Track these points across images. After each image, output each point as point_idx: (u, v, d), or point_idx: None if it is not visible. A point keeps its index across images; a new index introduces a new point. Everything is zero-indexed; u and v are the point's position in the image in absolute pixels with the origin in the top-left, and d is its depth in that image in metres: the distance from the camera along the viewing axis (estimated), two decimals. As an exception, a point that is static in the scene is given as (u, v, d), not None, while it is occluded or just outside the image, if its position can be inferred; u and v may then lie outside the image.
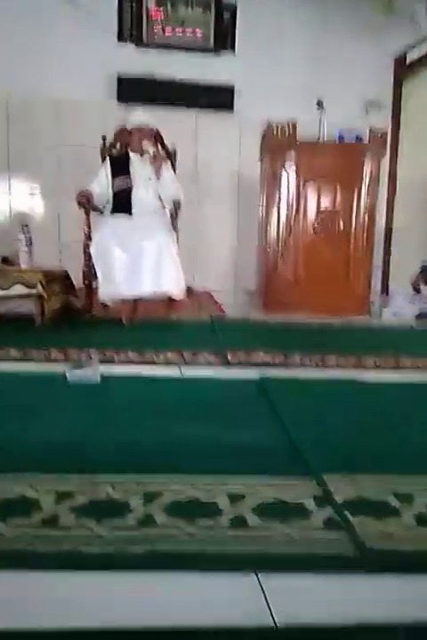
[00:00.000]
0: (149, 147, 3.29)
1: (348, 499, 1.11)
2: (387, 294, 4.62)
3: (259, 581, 0.86)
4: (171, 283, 3.06)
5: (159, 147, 3.48)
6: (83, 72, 4.57)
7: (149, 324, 3.17)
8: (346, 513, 1.04)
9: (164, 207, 3.39)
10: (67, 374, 1.90)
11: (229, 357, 2.32)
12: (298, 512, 1.05)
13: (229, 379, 2.06)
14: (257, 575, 0.87)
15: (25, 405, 1.65)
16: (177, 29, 4.77)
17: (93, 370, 1.90)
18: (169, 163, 3.50)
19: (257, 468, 1.24)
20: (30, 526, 0.96)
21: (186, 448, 1.35)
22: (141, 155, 3.38)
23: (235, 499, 1.09)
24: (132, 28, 4.73)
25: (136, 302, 3.22)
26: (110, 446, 1.34)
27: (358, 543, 0.95)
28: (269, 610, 0.80)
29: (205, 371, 2.17)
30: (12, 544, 0.91)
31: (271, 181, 3.80)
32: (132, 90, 4.62)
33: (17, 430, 1.43)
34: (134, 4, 4.69)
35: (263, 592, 0.83)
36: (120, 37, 4.70)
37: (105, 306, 3.23)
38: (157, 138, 3.55)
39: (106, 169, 3.38)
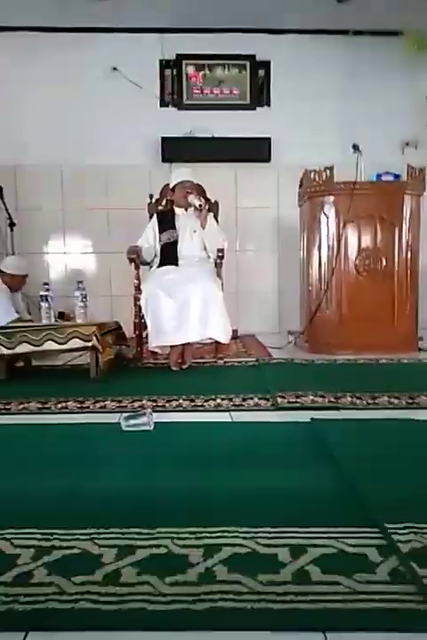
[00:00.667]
0: (195, 199, 3.40)
1: (414, 549, 1.07)
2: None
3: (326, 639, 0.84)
4: (217, 328, 3.12)
5: (203, 199, 3.59)
6: (129, 138, 4.88)
7: (198, 370, 3.21)
8: (413, 564, 1.00)
9: (208, 257, 3.49)
10: (122, 423, 1.94)
11: (279, 400, 2.31)
12: (361, 564, 1.02)
13: (279, 422, 2.05)
14: (325, 634, 0.85)
15: (82, 457, 1.69)
16: (215, 90, 5.02)
17: (147, 418, 1.93)
18: (212, 214, 3.61)
19: (315, 516, 1.22)
20: (93, 583, 0.97)
21: (241, 497, 1.34)
22: (186, 209, 3.51)
23: (295, 551, 1.07)
24: (173, 93, 5.00)
25: (184, 349, 3.27)
26: (167, 497, 1.35)
27: (428, 597, 0.91)
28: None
29: (255, 415, 2.17)
30: (76, 602, 0.92)
31: (311, 224, 3.84)
32: (175, 150, 4.87)
33: (76, 482, 1.46)
34: (174, 70, 4.97)
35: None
36: (162, 103, 4.99)
37: (155, 354, 3.31)
38: (200, 192, 3.68)
39: (153, 225, 3.54)
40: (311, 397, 2.35)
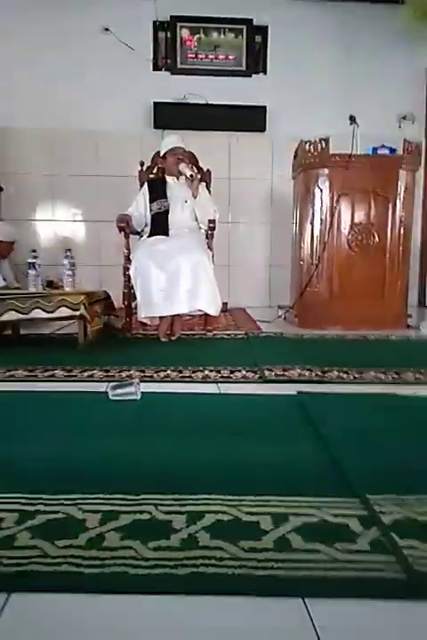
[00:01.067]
0: (186, 169, 3.35)
1: (395, 520, 1.08)
2: (425, 307, 4.51)
3: (306, 606, 0.85)
4: (207, 300, 3.10)
5: (195, 168, 3.54)
6: (120, 102, 4.76)
7: (187, 342, 3.21)
8: (393, 535, 1.02)
9: (199, 227, 3.45)
10: (109, 393, 1.94)
11: (266, 373, 2.31)
12: (343, 534, 1.04)
13: (267, 395, 2.06)
14: (304, 600, 0.86)
15: (69, 424, 1.69)
16: (210, 55, 4.89)
17: (134, 388, 1.93)
18: (204, 184, 3.56)
19: (299, 487, 1.23)
20: (76, 547, 0.98)
21: (227, 467, 1.35)
22: (177, 178, 3.45)
23: (277, 519, 1.08)
24: (166, 57, 4.86)
25: (173, 320, 3.26)
26: (152, 465, 1.36)
27: (407, 567, 0.92)
28: (317, 636, 0.79)
29: (242, 387, 2.18)
30: (59, 565, 0.92)
31: (304, 197, 3.80)
32: (168, 116, 4.76)
33: (62, 449, 1.46)
34: (169, 33, 4.83)
35: (310, 617, 0.82)
36: (155, 66, 4.85)
37: (144, 324, 3.30)
38: (192, 160, 3.61)
39: (144, 193, 3.48)
40: (298, 371, 2.36)
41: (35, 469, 1.33)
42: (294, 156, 3.98)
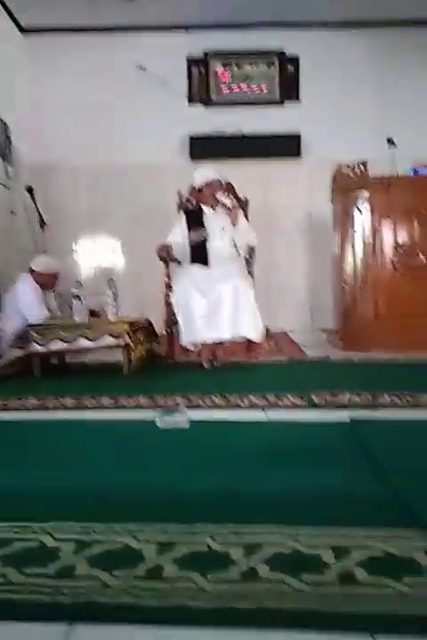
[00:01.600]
0: (224, 198, 3.37)
1: (464, 553, 1.02)
2: None
3: (375, 643, 0.81)
4: (249, 327, 3.09)
5: (232, 197, 3.56)
6: (157, 136, 4.91)
7: (230, 368, 3.20)
8: (464, 569, 0.96)
9: (238, 254, 3.46)
10: (157, 421, 1.94)
11: (314, 399, 2.27)
12: (410, 568, 0.98)
13: (316, 421, 2.01)
14: (373, 637, 0.82)
15: (119, 453, 1.69)
16: (243, 86, 4.98)
17: (182, 415, 1.92)
18: (241, 212, 3.57)
19: (359, 518, 1.18)
20: (135, 578, 0.96)
21: (282, 496, 1.32)
22: (213, 208, 3.47)
23: (340, 552, 1.04)
24: (200, 90, 4.99)
25: (216, 346, 3.26)
26: (205, 494, 1.34)
27: None
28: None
29: (291, 413, 2.14)
30: (118, 596, 0.91)
31: (344, 220, 3.78)
32: (203, 147, 4.88)
33: (114, 478, 1.46)
34: (202, 68, 4.96)
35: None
36: (190, 100, 4.98)
37: (186, 351, 3.31)
38: (230, 190, 3.65)
39: (181, 223, 3.51)
40: (348, 396, 2.30)
41: (89, 499, 1.33)
42: (333, 180, 3.97)
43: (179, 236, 3.50)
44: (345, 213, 3.77)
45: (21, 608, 0.89)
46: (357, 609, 0.87)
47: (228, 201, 3.38)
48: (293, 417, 2.08)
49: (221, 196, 3.40)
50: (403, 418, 2.01)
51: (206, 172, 3.57)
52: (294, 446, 1.72)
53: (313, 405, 2.22)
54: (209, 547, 1.07)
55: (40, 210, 4.48)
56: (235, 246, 3.48)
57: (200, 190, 3.55)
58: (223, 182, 3.56)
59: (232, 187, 3.76)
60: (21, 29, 5.02)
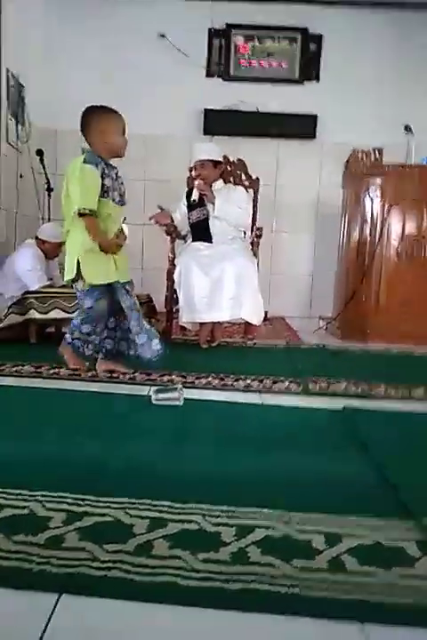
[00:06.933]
0: (195, 193, 3.24)
1: (455, 547, 1.02)
2: None
3: (363, 631, 0.81)
4: (250, 310, 3.07)
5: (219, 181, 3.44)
6: (171, 107, 4.81)
7: (227, 349, 3.19)
8: (455, 563, 0.96)
9: (243, 234, 3.40)
10: (152, 397, 1.93)
11: (310, 386, 2.26)
12: (400, 558, 0.99)
13: (311, 408, 2.01)
14: (363, 624, 0.82)
15: (113, 426, 1.68)
16: (263, 62, 4.89)
17: (178, 394, 1.92)
18: (242, 189, 3.49)
19: (351, 506, 1.18)
20: (125, 553, 0.96)
21: (275, 480, 1.31)
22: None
23: (331, 539, 1.04)
24: (219, 63, 4.89)
25: (214, 327, 3.24)
26: (197, 473, 1.34)
27: None
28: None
29: (285, 399, 2.13)
30: (108, 570, 0.91)
31: (354, 207, 3.73)
32: (217, 122, 4.80)
33: (106, 450, 1.46)
34: (223, 40, 4.86)
35: (370, 645, 0.78)
36: (208, 73, 4.89)
37: (183, 329, 3.29)
38: (241, 168, 3.58)
39: (183, 201, 3.43)
40: (344, 385, 2.29)
41: (80, 470, 1.33)
42: (345, 165, 3.92)
43: (183, 212, 3.44)
44: (356, 199, 3.72)
45: (9, 576, 0.89)
46: (346, 596, 0.87)
47: (195, 195, 3.23)
48: (288, 402, 2.07)
49: (195, 187, 3.26)
50: (397, 409, 2.00)
51: (197, 148, 3.45)
52: (288, 431, 1.72)
53: (308, 392, 2.21)
54: (200, 526, 1.07)
55: (48, 175, 4.41)
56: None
57: (195, 168, 3.40)
58: (217, 161, 3.36)
59: (244, 164, 3.68)
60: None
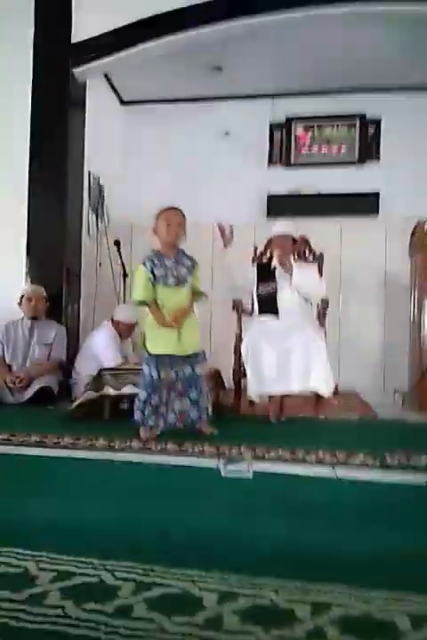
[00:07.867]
0: (290, 258, 3.36)
1: None
2: None
3: None
4: (320, 379, 2.99)
5: (295, 254, 3.52)
6: (237, 196, 5.16)
7: (297, 423, 3.11)
8: None
9: (310, 306, 3.40)
10: (221, 469, 1.91)
11: (387, 459, 2.14)
12: None
13: (389, 482, 1.89)
14: None
15: (182, 498, 1.67)
16: (323, 148, 5.11)
17: (247, 466, 1.88)
18: (315, 265, 3.53)
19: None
20: (194, 626, 0.92)
21: (351, 556, 1.23)
22: (281, 262, 3.43)
23: (417, 621, 0.94)
24: (281, 153, 5.19)
25: (283, 401, 3.19)
26: (268, 547, 1.28)
27: None
28: None
29: (360, 473, 2.02)
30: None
31: (424, 277, 3.65)
32: (280, 206, 5.04)
33: (175, 523, 1.43)
34: (284, 131, 5.18)
35: None
36: (270, 161, 5.20)
37: (252, 404, 3.25)
38: (304, 243, 3.65)
39: (252, 274, 3.50)
40: (425, 458, 2.15)
41: (149, 541, 1.31)
42: (411, 236, 3.89)
43: (242, 278, 3.46)
44: (424, 270, 3.65)
45: (78, 643, 0.88)
46: None
47: (286, 260, 3.34)
48: (363, 476, 1.96)
49: (276, 256, 3.38)
50: None
51: (278, 225, 3.59)
52: (364, 505, 1.62)
53: (386, 466, 2.08)
54: (272, 601, 1.01)
55: (124, 262, 4.73)
56: (305, 299, 3.41)
57: (271, 241, 3.54)
58: (296, 238, 3.52)
59: (307, 242, 3.75)
60: (122, 102, 5.56)
